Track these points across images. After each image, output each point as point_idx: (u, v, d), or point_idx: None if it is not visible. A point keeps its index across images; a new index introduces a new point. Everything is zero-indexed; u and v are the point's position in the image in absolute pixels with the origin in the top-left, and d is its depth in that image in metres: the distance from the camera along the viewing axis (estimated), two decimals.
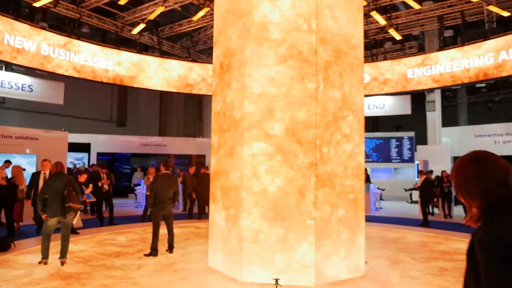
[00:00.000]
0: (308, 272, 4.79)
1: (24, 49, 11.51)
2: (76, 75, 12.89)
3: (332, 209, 5.03)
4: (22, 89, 13.10)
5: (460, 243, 7.64)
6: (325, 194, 4.97)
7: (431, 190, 11.28)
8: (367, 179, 13.31)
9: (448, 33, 14.84)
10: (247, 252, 4.90)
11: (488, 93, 22.07)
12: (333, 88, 5.18)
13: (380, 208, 14.45)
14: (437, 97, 16.77)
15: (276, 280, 4.70)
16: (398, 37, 13.88)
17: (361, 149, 5.56)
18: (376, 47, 16.31)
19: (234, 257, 5.06)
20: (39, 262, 5.56)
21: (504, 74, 11.87)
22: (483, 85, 19.31)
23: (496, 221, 1.32)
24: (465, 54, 12.74)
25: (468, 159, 1.45)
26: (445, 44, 14.69)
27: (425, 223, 9.82)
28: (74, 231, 7.50)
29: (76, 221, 6.14)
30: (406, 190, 15.87)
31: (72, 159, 16.71)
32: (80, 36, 13.43)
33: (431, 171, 12.46)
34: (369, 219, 9.31)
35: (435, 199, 12.73)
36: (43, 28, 12.30)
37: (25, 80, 13.21)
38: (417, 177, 11.05)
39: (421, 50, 16.49)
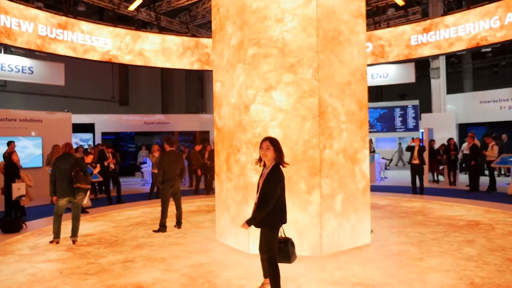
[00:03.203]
0: (315, 242, 4.87)
1: None
2: None
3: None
4: (22, 72, 13.02)
5: (458, 208, 7.74)
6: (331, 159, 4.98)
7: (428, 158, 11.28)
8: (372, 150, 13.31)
9: None
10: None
11: (494, 58, 21.60)
12: None
13: (385, 177, 14.52)
14: (441, 63, 16.46)
15: None
16: (401, 3, 13.48)
17: None
18: (378, 14, 15.90)
19: (241, 229, 5.13)
20: (51, 242, 5.69)
21: None
22: (489, 49, 18.87)
23: (276, 166, 3.32)
24: None
25: (276, 139, 3.40)
26: (449, 8, 14.29)
27: (421, 191, 9.98)
28: (83, 210, 7.65)
29: (86, 201, 6.22)
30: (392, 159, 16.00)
31: (78, 140, 16.81)
32: (76, 15, 13.20)
33: (433, 140, 12.67)
34: (374, 188, 9.39)
35: (441, 167, 12.76)
36: (39, 8, 12.08)
37: (25, 62, 13.10)
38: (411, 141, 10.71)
39: (425, 15, 16.06)
